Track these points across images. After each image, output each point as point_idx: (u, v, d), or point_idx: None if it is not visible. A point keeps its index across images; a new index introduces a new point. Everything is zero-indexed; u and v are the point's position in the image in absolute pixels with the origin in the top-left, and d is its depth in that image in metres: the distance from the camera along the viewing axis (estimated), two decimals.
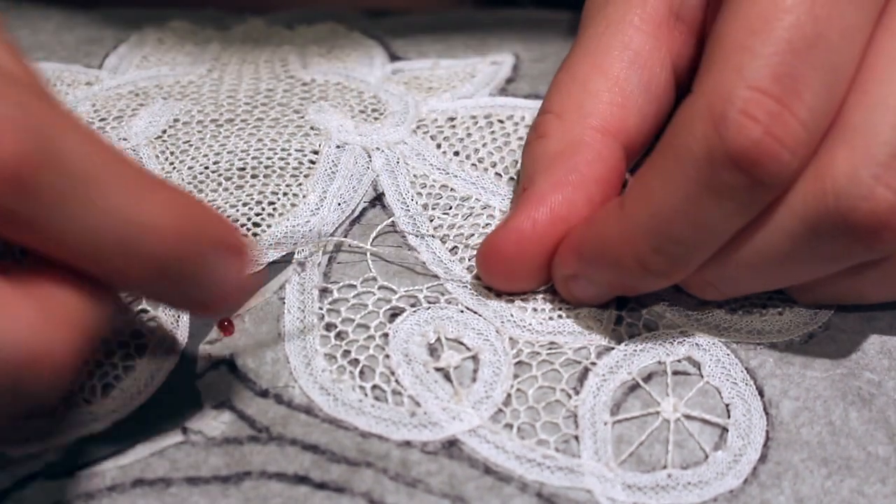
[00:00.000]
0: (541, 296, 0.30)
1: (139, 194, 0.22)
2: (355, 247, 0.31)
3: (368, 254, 0.31)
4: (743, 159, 0.24)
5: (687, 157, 0.25)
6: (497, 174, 0.33)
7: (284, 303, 0.30)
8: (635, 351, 0.29)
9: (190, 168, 0.34)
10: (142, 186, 0.22)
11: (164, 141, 0.34)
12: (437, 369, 0.28)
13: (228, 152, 0.34)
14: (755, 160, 0.24)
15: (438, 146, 0.34)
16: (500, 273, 0.30)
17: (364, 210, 0.33)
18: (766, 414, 0.28)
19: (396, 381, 0.28)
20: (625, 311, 0.30)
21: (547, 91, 0.31)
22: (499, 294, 0.30)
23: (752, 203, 0.25)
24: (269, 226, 0.32)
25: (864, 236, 0.25)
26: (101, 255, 0.22)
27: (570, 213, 0.29)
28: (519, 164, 0.33)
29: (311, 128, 0.35)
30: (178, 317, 0.29)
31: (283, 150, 0.34)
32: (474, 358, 0.29)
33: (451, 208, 0.33)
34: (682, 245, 0.26)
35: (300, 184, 0.33)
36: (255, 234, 0.32)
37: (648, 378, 0.28)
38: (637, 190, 0.27)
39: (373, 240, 0.31)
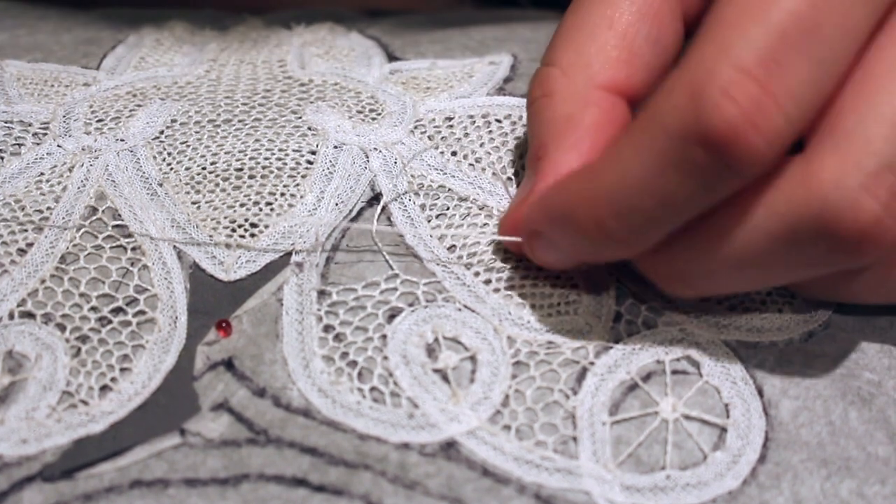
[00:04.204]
0: (539, 290, 0.30)
1: None
2: (352, 245, 0.31)
3: (367, 254, 0.31)
4: (715, 140, 0.23)
5: (659, 128, 0.24)
6: (494, 174, 0.33)
7: (282, 304, 0.30)
8: (634, 350, 0.29)
9: (187, 169, 0.33)
10: None
11: (161, 142, 0.34)
12: (435, 370, 0.28)
13: (226, 153, 0.34)
14: (727, 143, 0.23)
15: (436, 146, 0.34)
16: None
17: (361, 210, 0.33)
18: (766, 414, 0.28)
19: (395, 382, 0.28)
20: (623, 308, 0.30)
21: (552, 39, 0.31)
22: (497, 290, 0.30)
23: (718, 186, 0.24)
24: (266, 226, 0.32)
25: (845, 246, 0.24)
26: None
27: None
28: (519, 155, 0.34)
29: (309, 128, 0.35)
30: (176, 318, 0.29)
31: (280, 150, 0.34)
32: (472, 358, 0.28)
33: (448, 209, 0.32)
34: (641, 215, 0.25)
35: (298, 184, 0.33)
36: (252, 235, 0.31)
37: (647, 377, 0.28)
38: (608, 155, 0.26)
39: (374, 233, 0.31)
